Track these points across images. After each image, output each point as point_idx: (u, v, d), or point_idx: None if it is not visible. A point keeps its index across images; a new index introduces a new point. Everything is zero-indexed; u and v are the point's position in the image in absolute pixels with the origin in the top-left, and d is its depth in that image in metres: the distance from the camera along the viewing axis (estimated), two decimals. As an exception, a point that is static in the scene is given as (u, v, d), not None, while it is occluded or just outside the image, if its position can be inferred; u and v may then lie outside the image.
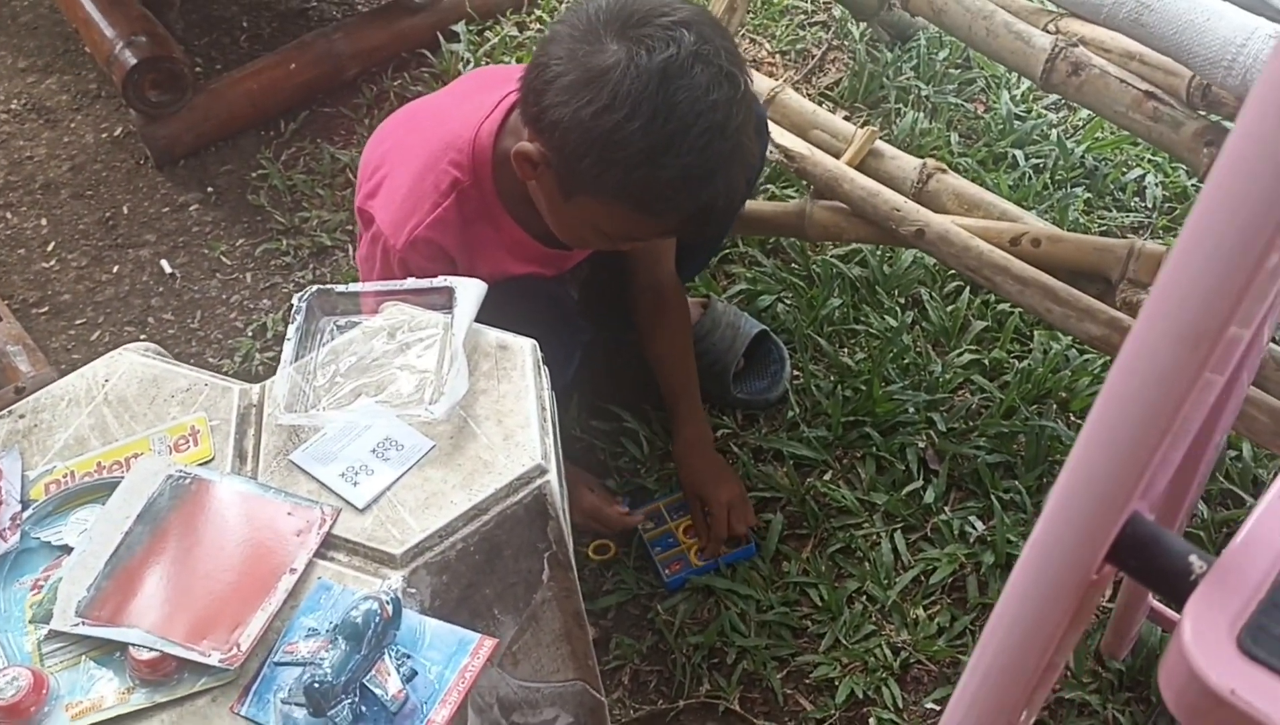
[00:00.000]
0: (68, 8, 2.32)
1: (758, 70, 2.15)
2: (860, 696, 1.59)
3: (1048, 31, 1.66)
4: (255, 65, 2.35)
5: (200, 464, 1.11)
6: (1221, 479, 1.75)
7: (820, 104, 2.20)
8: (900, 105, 2.27)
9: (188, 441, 1.13)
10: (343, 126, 2.35)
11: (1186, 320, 0.40)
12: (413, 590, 1.03)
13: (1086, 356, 1.88)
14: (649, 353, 1.80)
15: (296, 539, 1.05)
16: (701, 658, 1.64)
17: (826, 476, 1.80)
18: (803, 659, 1.63)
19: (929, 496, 1.75)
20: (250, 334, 2.06)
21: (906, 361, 1.90)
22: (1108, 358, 1.79)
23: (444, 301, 1.21)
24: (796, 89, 2.14)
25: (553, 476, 1.10)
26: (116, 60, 2.19)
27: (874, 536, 1.73)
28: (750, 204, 2.00)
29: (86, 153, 2.37)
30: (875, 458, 1.80)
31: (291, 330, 1.19)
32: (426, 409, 1.11)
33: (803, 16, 2.48)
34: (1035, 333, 1.93)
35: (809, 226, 1.83)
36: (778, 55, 2.41)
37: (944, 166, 1.80)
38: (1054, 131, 2.20)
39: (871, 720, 1.57)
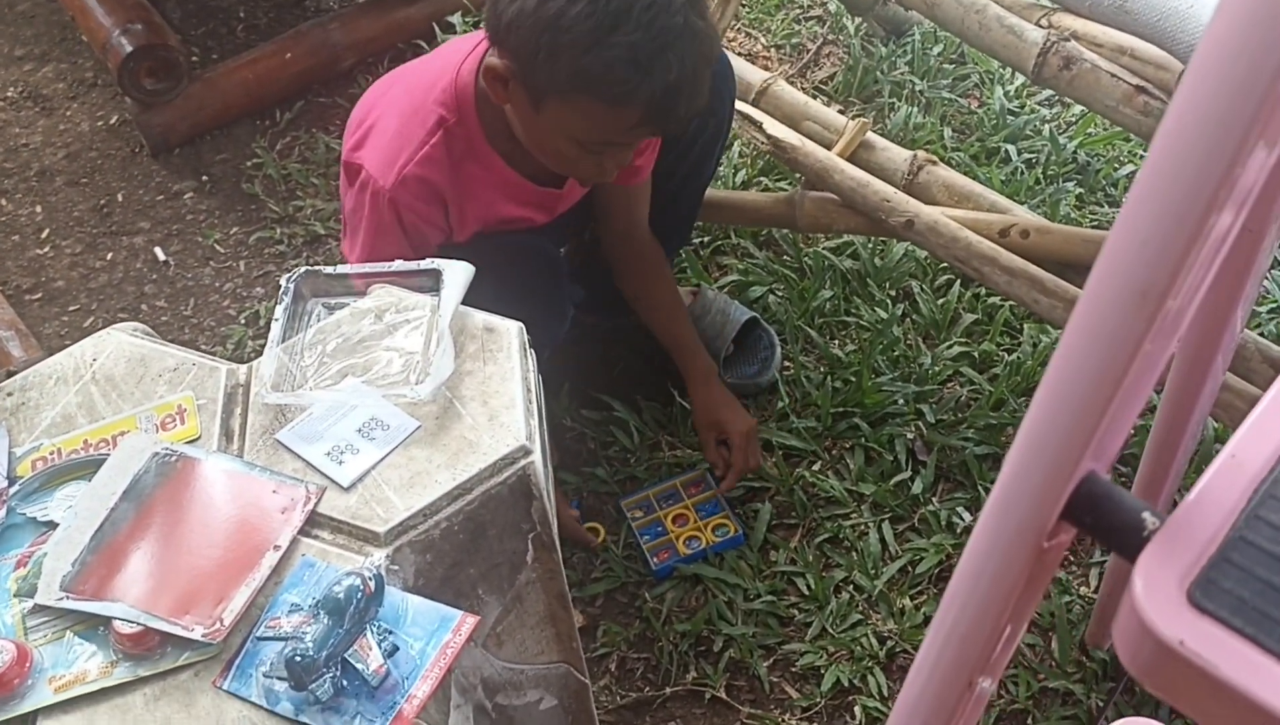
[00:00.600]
0: (64, -5, 2.33)
1: (753, 63, 2.16)
2: (846, 685, 1.59)
3: (1040, 26, 1.67)
4: (251, 55, 2.36)
5: (187, 442, 1.12)
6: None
7: (815, 98, 2.20)
8: (894, 100, 2.28)
9: (174, 420, 1.14)
10: (338, 117, 2.35)
11: (1135, 276, 0.41)
12: (396, 568, 1.04)
13: (1076, 350, 1.88)
14: (637, 305, 1.81)
15: (281, 516, 1.05)
16: (688, 645, 1.65)
17: (815, 467, 1.80)
18: (789, 647, 1.64)
19: (917, 487, 1.76)
20: (243, 321, 2.07)
21: (896, 353, 1.90)
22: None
23: (431, 284, 1.21)
24: (791, 82, 2.15)
25: (537, 457, 1.11)
26: (112, 48, 2.19)
27: (862, 526, 1.74)
28: (742, 194, 2.01)
29: (82, 140, 2.38)
30: (864, 448, 1.81)
31: (279, 311, 1.20)
32: (412, 389, 1.12)
33: (798, 10, 2.48)
34: (1025, 326, 1.94)
35: (800, 217, 1.84)
36: (772, 49, 2.42)
37: (934, 158, 1.80)
38: (1046, 127, 2.21)
39: (857, 708, 1.58)
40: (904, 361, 1.90)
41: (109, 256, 2.19)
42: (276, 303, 1.21)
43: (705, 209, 1.90)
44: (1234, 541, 0.50)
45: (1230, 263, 0.75)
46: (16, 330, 1.95)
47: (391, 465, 1.08)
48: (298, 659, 0.93)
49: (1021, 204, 1.89)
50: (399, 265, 1.24)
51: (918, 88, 2.29)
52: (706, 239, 2.08)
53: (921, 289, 1.98)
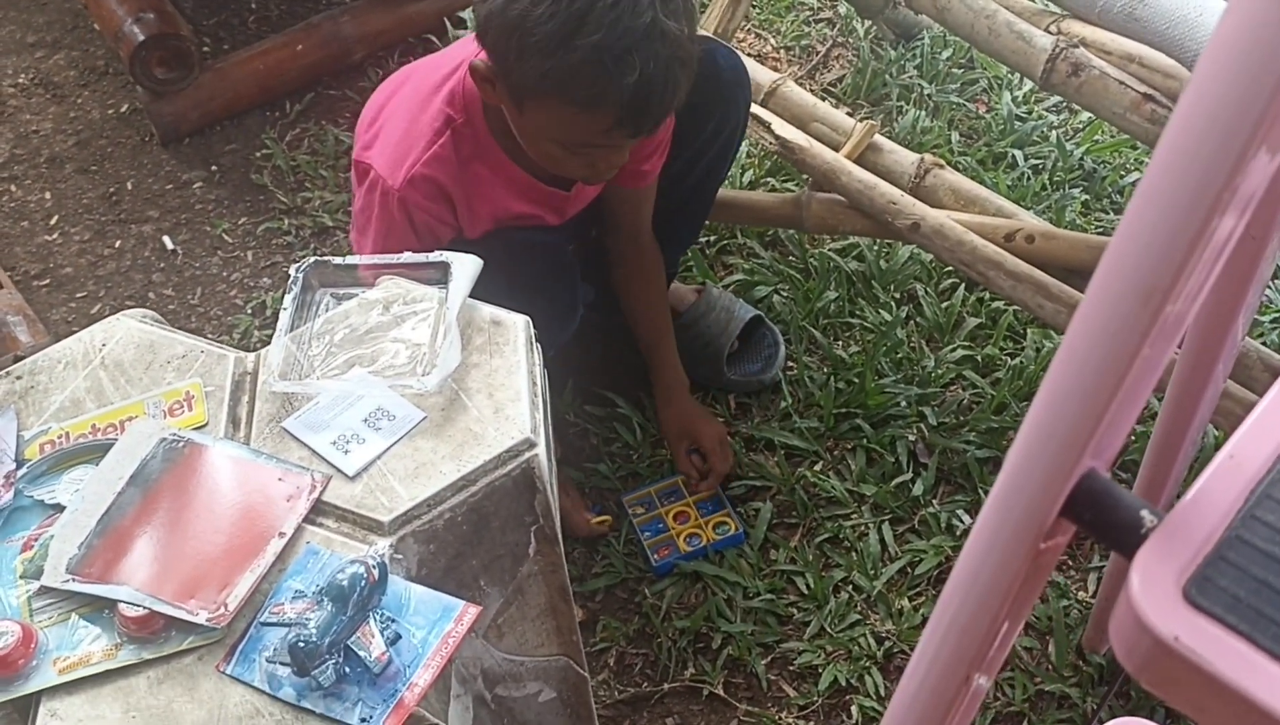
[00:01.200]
0: (77, -17, 2.34)
1: (762, 64, 2.17)
2: (843, 684, 1.60)
3: (1049, 32, 1.67)
4: (262, 46, 2.37)
5: (194, 429, 1.13)
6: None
7: (823, 100, 2.21)
8: (902, 103, 2.29)
9: (182, 406, 1.15)
10: (348, 109, 2.36)
11: (1138, 277, 0.42)
12: (400, 558, 1.04)
13: (1079, 355, 1.89)
14: (626, 304, 1.82)
15: (286, 504, 1.06)
16: (687, 642, 1.65)
17: (817, 467, 1.81)
18: (787, 646, 1.64)
19: (918, 489, 1.76)
20: (250, 311, 2.08)
21: (900, 356, 1.91)
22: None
23: (439, 276, 1.22)
24: (800, 84, 2.16)
25: (541, 450, 1.11)
26: (124, 36, 2.20)
27: (862, 527, 1.74)
28: (749, 194, 2.02)
29: (92, 128, 2.39)
30: (866, 449, 1.81)
31: (288, 300, 1.21)
32: (419, 381, 1.13)
33: (808, 13, 2.49)
34: (1029, 331, 1.94)
35: (806, 218, 1.85)
36: (782, 50, 2.42)
37: (941, 162, 1.81)
38: (1054, 133, 2.21)
39: (854, 708, 1.59)
40: (907, 364, 1.90)
41: (117, 244, 2.20)
42: (285, 292, 1.22)
43: (713, 208, 1.90)
44: (1230, 541, 0.50)
45: (1233, 269, 0.76)
46: (25, 316, 1.97)
47: (397, 455, 1.09)
48: (301, 645, 0.94)
49: (1027, 209, 1.90)
50: (407, 257, 1.24)
51: (926, 91, 2.30)
52: (713, 238, 2.09)
53: (926, 292, 1.99)
